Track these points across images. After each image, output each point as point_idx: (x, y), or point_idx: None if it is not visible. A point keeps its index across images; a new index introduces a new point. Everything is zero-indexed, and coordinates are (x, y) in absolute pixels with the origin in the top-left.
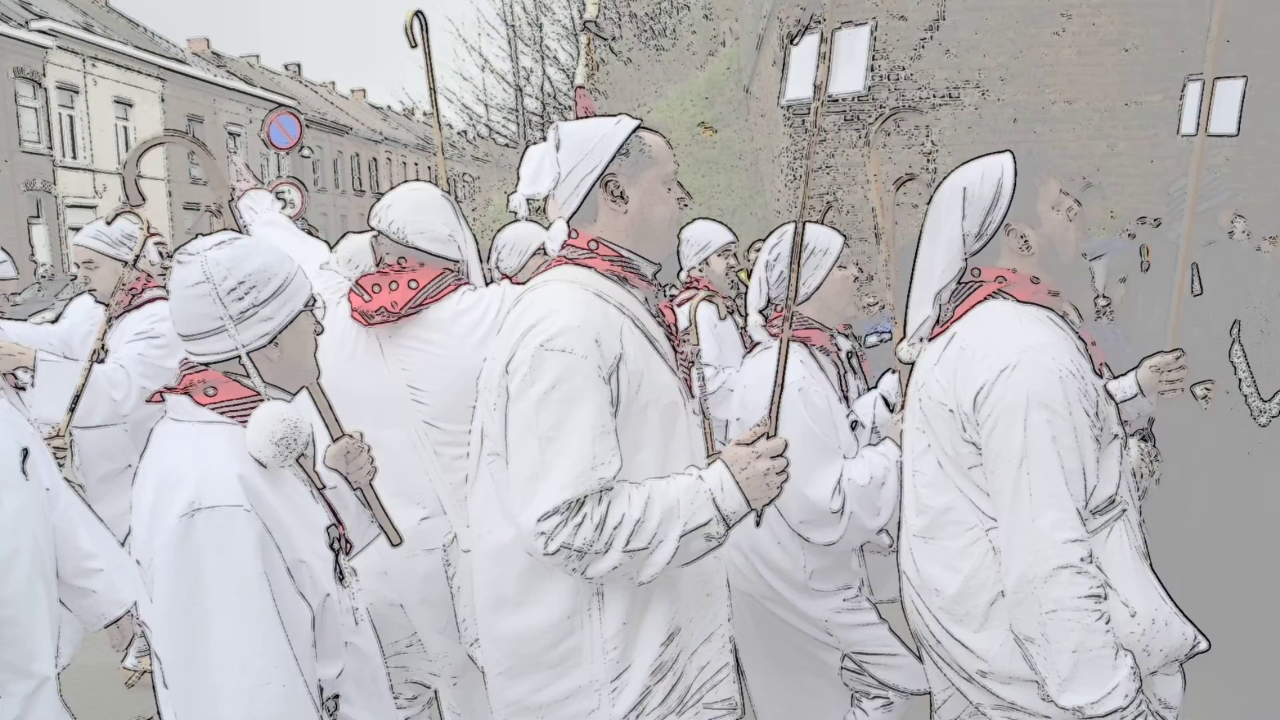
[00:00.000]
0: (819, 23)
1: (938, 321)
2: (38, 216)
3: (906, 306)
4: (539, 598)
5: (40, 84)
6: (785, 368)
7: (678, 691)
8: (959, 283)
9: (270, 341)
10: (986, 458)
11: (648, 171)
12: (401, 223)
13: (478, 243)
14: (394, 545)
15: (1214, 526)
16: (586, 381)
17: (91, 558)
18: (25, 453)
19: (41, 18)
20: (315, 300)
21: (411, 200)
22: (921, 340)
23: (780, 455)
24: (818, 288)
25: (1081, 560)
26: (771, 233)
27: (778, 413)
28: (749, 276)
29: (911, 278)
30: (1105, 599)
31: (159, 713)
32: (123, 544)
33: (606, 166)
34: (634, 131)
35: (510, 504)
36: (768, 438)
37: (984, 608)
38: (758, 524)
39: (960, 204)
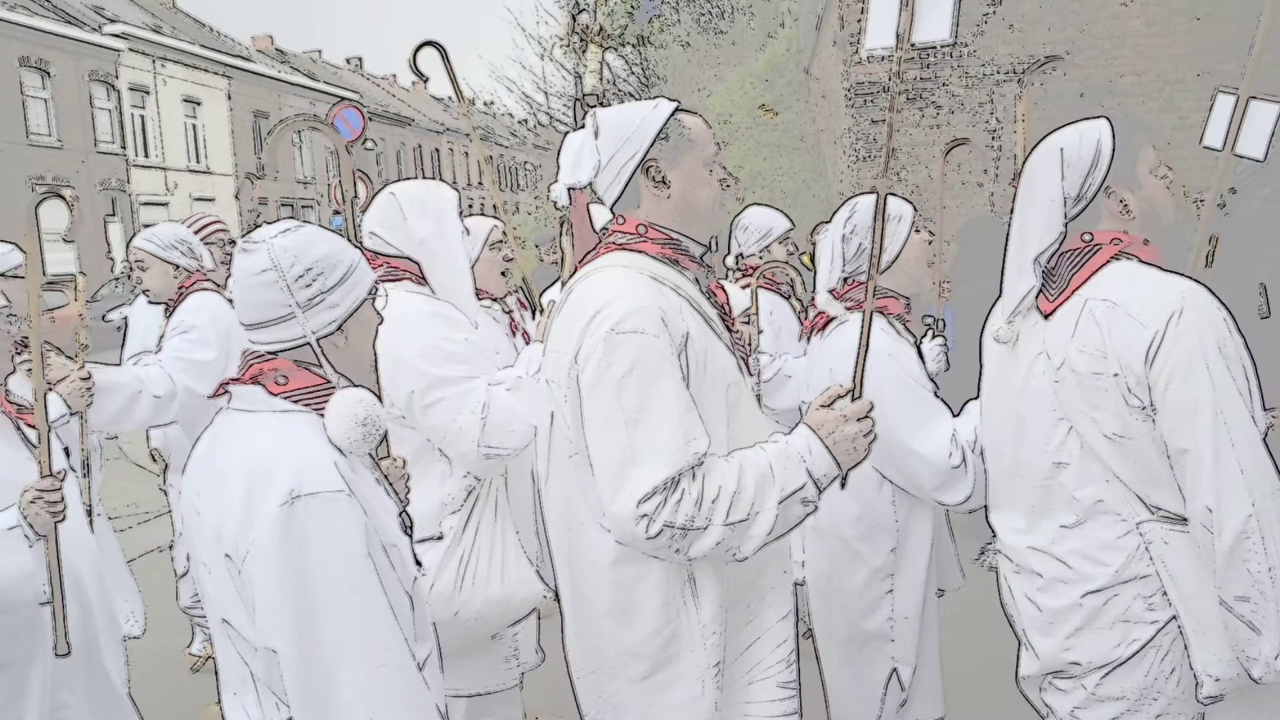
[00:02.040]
0: None
1: (1044, 294)
2: (113, 214)
3: (1002, 276)
4: (635, 593)
5: (113, 86)
6: (869, 331)
7: (746, 661)
8: (1066, 249)
9: (337, 329)
10: (1165, 414)
11: (688, 154)
12: None
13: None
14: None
15: None
16: (663, 360)
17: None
18: (66, 452)
19: (113, 21)
20: (377, 289)
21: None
22: (1025, 314)
23: (866, 417)
24: (897, 256)
25: None
26: (840, 206)
27: (862, 375)
28: (811, 260)
29: (1005, 249)
30: None
31: (220, 701)
32: None
33: (647, 152)
34: (672, 115)
35: (596, 497)
36: (853, 399)
37: (1126, 604)
38: (843, 487)
39: (1058, 165)
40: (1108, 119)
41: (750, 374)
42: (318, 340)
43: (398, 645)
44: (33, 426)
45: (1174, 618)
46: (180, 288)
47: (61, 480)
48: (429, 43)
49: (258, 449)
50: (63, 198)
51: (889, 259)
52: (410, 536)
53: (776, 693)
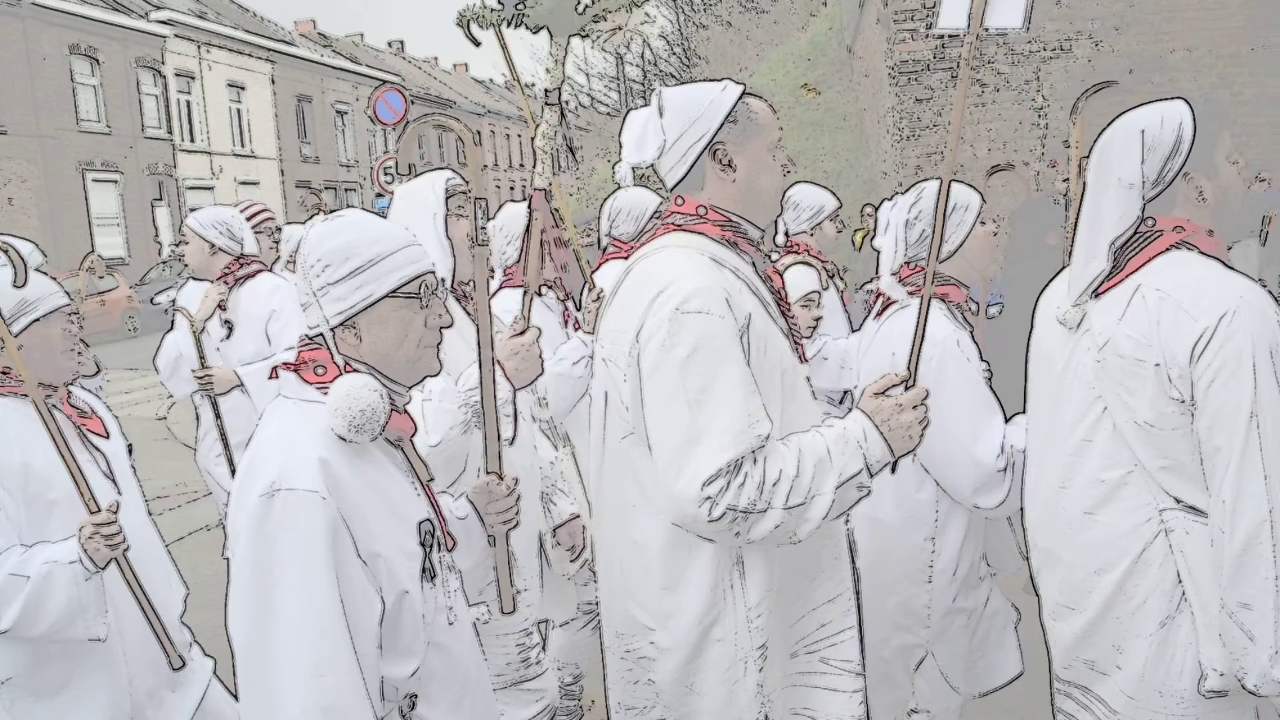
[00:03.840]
0: None
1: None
2: (160, 199)
3: (1070, 259)
4: (684, 575)
5: (160, 72)
6: (926, 320)
7: (820, 646)
8: (1133, 232)
9: (343, 323)
10: (1205, 411)
11: (755, 139)
12: None
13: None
14: (504, 613)
15: None
16: (727, 341)
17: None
18: (130, 449)
19: (159, 8)
20: (417, 290)
21: None
22: (1091, 297)
23: (921, 404)
24: (960, 245)
25: None
26: (909, 190)
27: (917, 363)
28: (863, 238)
29: (1074, 232)
30: None
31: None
32: None
33: (715, 134)
34: (740, 98)
35: (653, 479)
36: (906, 388)
37: (1145, 592)
38: (893, 472)
39: (1139, 148)
40: (1186, 101)
41: (804, 360)
42: (331, 330)
43: (342, 657)
44: (96, 433)
45: (1187, 610)
46: (227, 269)
47: (115, 511)
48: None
49: (264, 436)
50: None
51: (951, 248)
52: (429, 547)
53: (818, 665)
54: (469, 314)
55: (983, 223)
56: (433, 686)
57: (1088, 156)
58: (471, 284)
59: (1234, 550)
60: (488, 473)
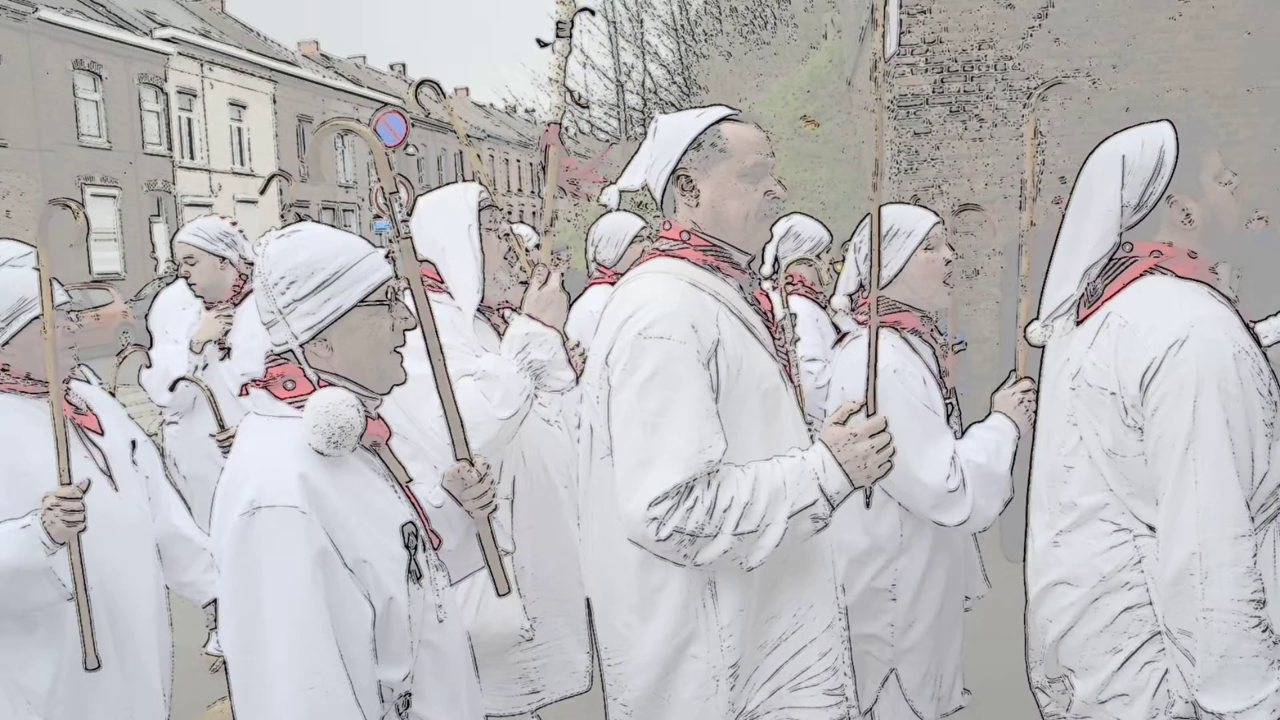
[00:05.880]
0: None
1: (1083, 301)
2: (158, 215)
3: (1042, 289)
4: (658, 593)
5: (162, 89)
6: (876, 348)
7: (791, 668)
8: (1109, 259)
9: (314, 336)
10: (1149, 440)
11: (720, 165)
12: None
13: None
14: (499, 594)
15: None
16: (687, 366)
17: (189, 541)
18: (134, 445)
19: (164, 25)
20: (384, 298)
21: None
22: (1059, 320)
23: (881, 432)
24: (900, 270)
25: (1250, 558)
26: (864, 218)
27: (874, 392)
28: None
29: (1052, 254)
30: (1265, 604)
31: (219, 702)
32: None
33: (679, 160)
34: (716, 123)
35: (617, 497)
36: (868, 416)
37: (1114, 613)
38: (867, 504)
39: (1119, 173)
40: (1170, 122)
41: (794, 381)
42: (300, 345)
43: (331, 669)
44: (91, 429)
45: (1159, 633)
46: (235, 287)
47: (84, 490)
48: (426, 81)
49: (241, 455)
50: (69, 208)
51: (889, 274)
52: (415, 549)
53: (823, 699)
54: (498, 333)
55: (929, 248)
56: (426, 684)
57: (1047, 166)
58: (504, 305)
59: (1166, 579)
60: (457, 459)
